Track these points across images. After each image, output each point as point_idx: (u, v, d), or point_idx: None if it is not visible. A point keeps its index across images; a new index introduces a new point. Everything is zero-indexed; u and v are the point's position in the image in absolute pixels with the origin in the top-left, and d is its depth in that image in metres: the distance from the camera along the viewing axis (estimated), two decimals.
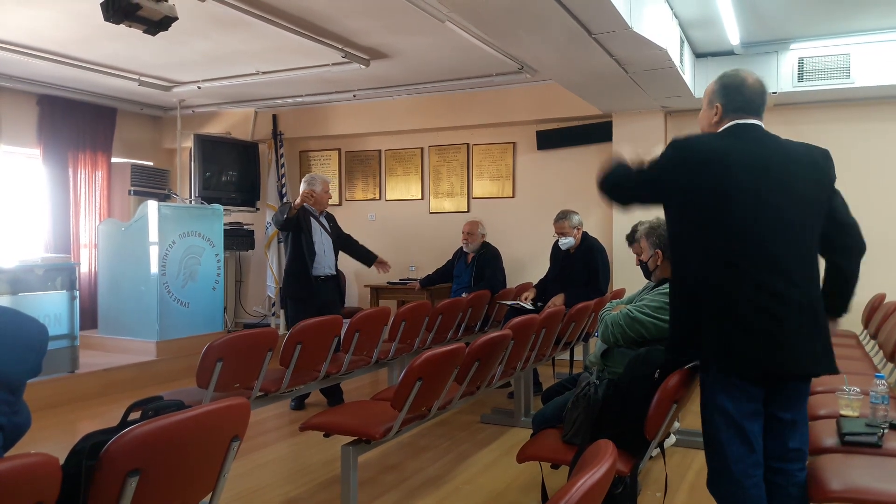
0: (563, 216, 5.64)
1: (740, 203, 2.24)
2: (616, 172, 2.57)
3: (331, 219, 5.66)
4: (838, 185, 2.40)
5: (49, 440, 4.59)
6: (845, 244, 2.40)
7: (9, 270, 5.53)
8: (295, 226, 5.31)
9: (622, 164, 2.56)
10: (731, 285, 2.24)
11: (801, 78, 5.79)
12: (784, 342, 2.21)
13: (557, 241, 5.76)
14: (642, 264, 3.39)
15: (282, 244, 8.39)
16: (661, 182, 2.41)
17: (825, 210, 2.33)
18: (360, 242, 5.92)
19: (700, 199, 2.28)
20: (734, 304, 2.23)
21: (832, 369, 2.30)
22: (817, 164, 2.35)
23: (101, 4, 4.08)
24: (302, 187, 5.43)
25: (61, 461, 1.43)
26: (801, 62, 5.79)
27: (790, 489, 2.34)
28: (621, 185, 2.57)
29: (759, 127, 2.38)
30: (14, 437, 1.47)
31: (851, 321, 5.74)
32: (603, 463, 1.42)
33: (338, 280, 5.54)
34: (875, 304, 5.44)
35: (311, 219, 5.43)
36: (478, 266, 6.45)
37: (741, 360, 2.23)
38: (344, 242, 5.72)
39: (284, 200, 5.46)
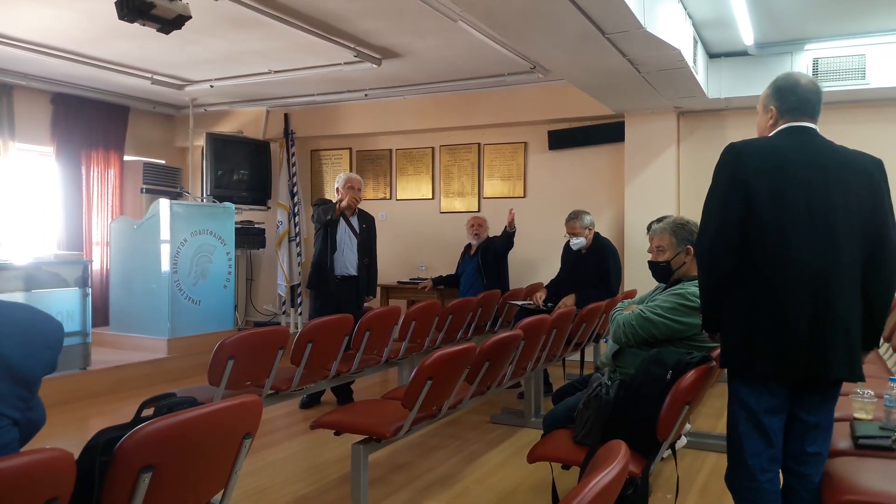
0: (575, 216, 5.63)
1: (798, 206, 2.22)
2: (700, 247, 2.40)
3: (366, 220, 5.65)
4: None
5: (61, 436, 4.62)
6: (881, 268, 2.28)
7: (22, 267, 5.56)
8: (329, 223, 5.42)
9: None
10: (780, 291, 2.23)
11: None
12: (825, 347, 2.20)
13: (569, 241, 5.75)
14: (652, 265, 3.36)
15: (292, 242, 8.46)
16: (727, 196, 2.28)
17: (878, 220, 2.27)
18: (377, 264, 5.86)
19: (755, 201, 2.24)
20: (781, 310, 2.22)
21: (859, 377, 2.29)
22: (871, 175, 2.31)
23: (116, 3, 4.10)
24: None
25: (75, 457, 1.44)
26: (815, 63, 5.76)
27: (802, 493, 2.34)
28: (716, 244, 2.30)
29: (814, 131, 2.36)
30: (29, 434, 1.48)
31: None
32: (615, 464, 1.42)
33: (357, 281, 5.50)
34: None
35: (340, 217, 5.45)
36: (484, 256, 6.48)
37: (770, 364, 2.23)
38: (368, 253, 5.63)
39: (325, 199, 5.52)
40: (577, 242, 5.61)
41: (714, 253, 2.32)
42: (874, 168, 2.34)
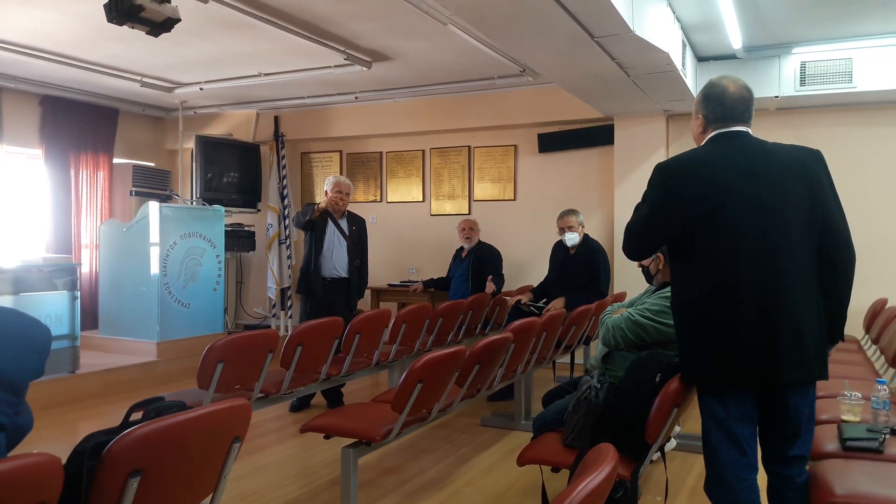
0: (570, 211, 5.64)
1: (731, 211, 2.24)
2: (628, 231, 2.55)
3: (356, 223, 5.64)
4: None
5: (49, 440, 4.59)
6: (834, 258, 2.29)
7: (10, 270, 5.53)
8: (311, 226, 5.41)
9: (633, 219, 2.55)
10: (723, 300, 2.25)
11: (802, 82, 5.80)
12: (773, 354, 2.20)
13: (559, 241, 5.74)
14: (644, 268, 3.39)
15: (282, 245, 8.44)
16: (656, 214, 2.39)
17: (820, 212, 2.28)
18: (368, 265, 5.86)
19: (692, 216, 2.28)
20: (725, 319, 2.24)
21: (822, 376, 2.29)
22: (807, 166, 2.31)
23: (105, 6, 4.08)
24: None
25: (62, 461, 1.43)
26: (803, 66, 5.80)
27: (787, 493, 2.35)
28: (633, 242, 2.53)
29: (745, 133, 2.38)
30: (16, 438, 1.47)
31: (852, 326, 5.71)
32: (604, 467, 1.42)
33: (348, 283, 5.49)
34: (876, 309, 5.44)
35: (328, 219, 5.45)
36: (475, 261, 6.49)
37: (726, 373, 2.25)
38: (359, 255, 5.62)
39: (309, 202, 5.61)
40: (572, 238, 5.60)
41: (630, 247, 2.55)
42: (810, 159, 2.34)
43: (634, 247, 2.54)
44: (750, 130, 2.39)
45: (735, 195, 2.25)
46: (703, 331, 2.29)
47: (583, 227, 5.68)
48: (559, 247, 5.78)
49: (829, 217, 2.29)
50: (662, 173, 2.38)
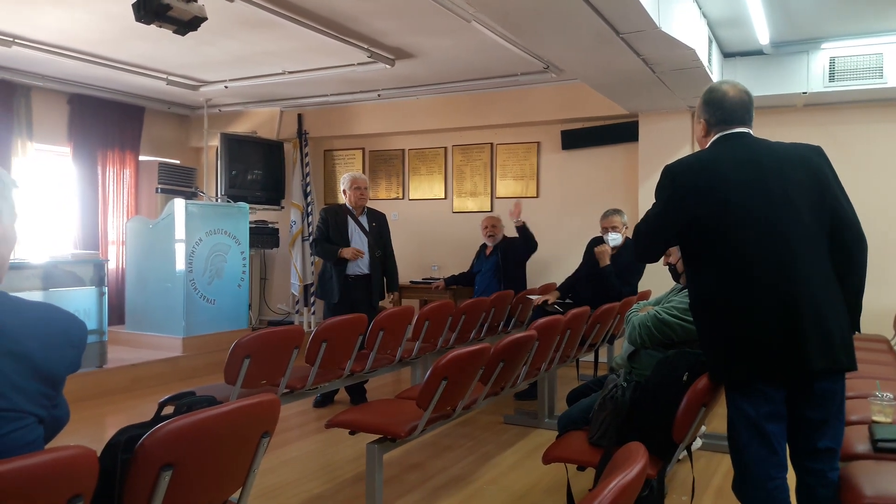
0: (615, 211, 5.55)
1: (741, 204, 2.27)
2: (637, 231, 2.60)
3: (376, 219, 5.66)
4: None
5: (78, 433, 4.65)
6: (847, 247, 2.31)
7: (39, 266, 5.62)
8: (327, 236, 5.46)
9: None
10: (741, 292, 2.26)
11: (832, 78, 5.71)
12: (796, 341, 2.19)
13: (597, 237, 5.66)
14: (671, 266, 3.37)
15: (306, 242, 8.49)
16: (667, 212, 2.42)
17: (829, 204, 2.30)
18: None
19: (703, 213, 2.31)
20: (746, 311, 2.25)
21: (850, 366, 2.27)
22: (810, 160, 2.35)
23: (133, 5, 4.13)
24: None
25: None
26: (832, 62, 5.72)
27: (819, 490, 2.32)
28: (642, 241, 2.58)
29: (747, 134, 2.43)
30: (53, 431, 1.49)
31: (883, 326, 5.65)
32: (635, 465, 1.41)
33: (370, 279, 5.52)
34: None
35: (348, 217, 5.48)
36: (502, 256, 6.48)
37: (752, 365, 2.25)
38: (381, 248, 5.64)
39: (336, 204, 5.65)
40: (615, 238, 5.52)
41: (638, 247, 2.61)
42: (812, 154, 2.38)
43: (642, 245, 2.58)
44: (751, 132, 2.45)
45: (743, 189, 2.29)
46: (724, 325, 2.30)
47: (626, 227, 5.59)
48: (597, 243, 5.68)
49: (838, 208, 2.32)
50: (671, 173, 2.43)
